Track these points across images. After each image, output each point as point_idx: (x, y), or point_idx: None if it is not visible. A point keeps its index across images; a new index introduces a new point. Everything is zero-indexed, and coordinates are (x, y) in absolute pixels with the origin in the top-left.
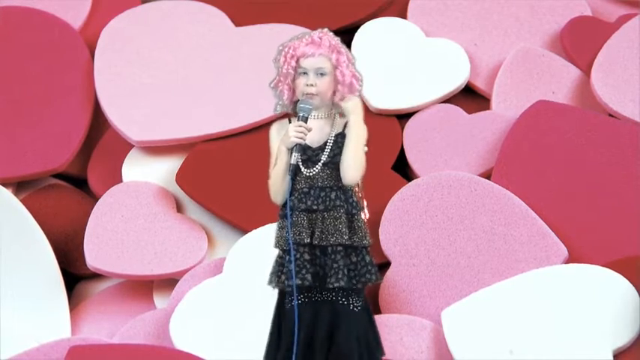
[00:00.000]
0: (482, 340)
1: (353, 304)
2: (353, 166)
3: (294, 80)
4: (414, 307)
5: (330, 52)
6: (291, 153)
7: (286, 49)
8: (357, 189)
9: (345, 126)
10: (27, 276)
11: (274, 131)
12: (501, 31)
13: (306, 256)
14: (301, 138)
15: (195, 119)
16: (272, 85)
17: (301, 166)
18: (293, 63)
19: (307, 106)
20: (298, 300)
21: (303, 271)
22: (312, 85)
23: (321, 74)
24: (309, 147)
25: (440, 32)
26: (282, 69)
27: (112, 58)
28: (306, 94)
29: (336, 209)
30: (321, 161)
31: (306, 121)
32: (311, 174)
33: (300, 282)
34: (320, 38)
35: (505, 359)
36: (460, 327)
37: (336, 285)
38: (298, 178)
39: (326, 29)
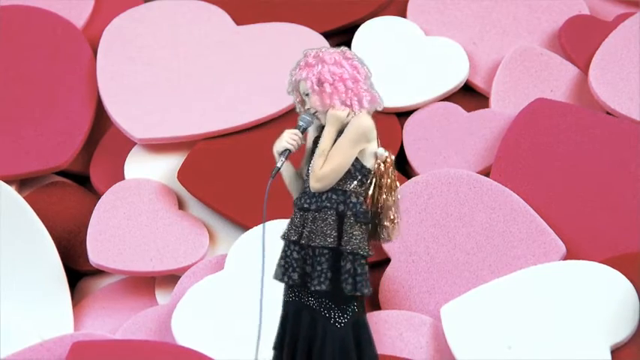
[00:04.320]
0: (481, 336)
1: (335, 318)
2: (312, 177)
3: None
4: (414, 303)
5: (306, 74)
6: (280, 157)
7: (290, 89)
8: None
9: None
10: (30, 272)
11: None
12: (500, 30)
13: (295, 255)
14: (293, 146)
15: (196, 117)
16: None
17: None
18: (298, 95)
19: (307, 118)
20: (289, 297)
21: (290, 270)
22: (308, 108)
23: (307, 94)
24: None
25: (439, 31)
26: (297, 105)
27: (114, 56)
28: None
29: (325, 210)
30: None
31: (303, 132)
32: None
33: (286, 280)
34: (299, 68)
35: (503, 355)
36: (459, 323)
37: (317, 288)
38: (306, 177)
39: (306, 51)
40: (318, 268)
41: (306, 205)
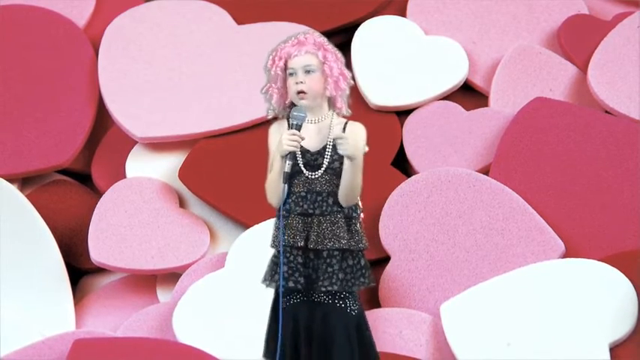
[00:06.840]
0: (480, 333)
1: (350, 307)
2: (345, 197)
3: (283, 83)
4: (414, 301)
5: (317, 49)
6: (285, 161)
7: (274, 53)
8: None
9: (344, 127)
10: (32, 270)
11: (273, 131)
12: (499, 29)
13: (300, 260)
14: (294, 147)
15: (197, 116)
16: (263, 91)
17: (303, 169)
18: (281, 64)
19: (301, 114)
20: (296, 299)
21: (296, 274)
22: (301, 82)
23: (309, 71)
24: (307, 151)
25: (439, 30)
26: (270, 73)
27: (115, 55)
28: (297, 92)
29: (334, 214)
30: (323, 167)
31: (299, 129)
32: (314, 177)
33: (292, 285)
34: (305, 37)
35: (503, 352)
36: (459, 321)
37: (329, 288)
38: (296, 181)
39: (311, 30)
40: (329, 269)
41: (310, 211)
